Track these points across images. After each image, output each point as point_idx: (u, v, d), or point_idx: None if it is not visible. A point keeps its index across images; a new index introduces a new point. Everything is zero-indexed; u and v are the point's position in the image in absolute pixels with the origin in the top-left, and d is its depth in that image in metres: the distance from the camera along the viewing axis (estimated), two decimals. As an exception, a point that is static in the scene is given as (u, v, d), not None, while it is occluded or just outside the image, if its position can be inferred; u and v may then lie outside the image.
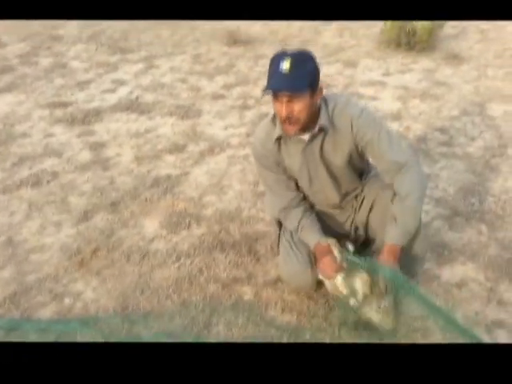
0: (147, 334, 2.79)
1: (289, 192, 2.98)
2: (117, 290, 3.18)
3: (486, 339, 2.73)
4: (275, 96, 2.56)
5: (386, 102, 5.83)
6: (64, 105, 5.91)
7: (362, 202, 3.02)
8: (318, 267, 2.87)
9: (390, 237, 2.74)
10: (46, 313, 3.02)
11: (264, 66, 7.15)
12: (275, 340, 2.76)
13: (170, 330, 2.84)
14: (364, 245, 3.11)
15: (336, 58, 7.40)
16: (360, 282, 2.66)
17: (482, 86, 6.26)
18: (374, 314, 2.65)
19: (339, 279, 2.72)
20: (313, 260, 2.93)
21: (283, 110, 2.54)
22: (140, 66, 7.34)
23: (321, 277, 2.88)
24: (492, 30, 8.53)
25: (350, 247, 3.00)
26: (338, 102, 2.75)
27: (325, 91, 2.70)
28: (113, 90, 6.41)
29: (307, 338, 2.77)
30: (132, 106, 5.88)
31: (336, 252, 2.78)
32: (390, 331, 2.68)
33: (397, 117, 5.42)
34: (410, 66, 7.04)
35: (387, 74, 6.79)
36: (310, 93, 2.56)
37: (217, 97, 6.15)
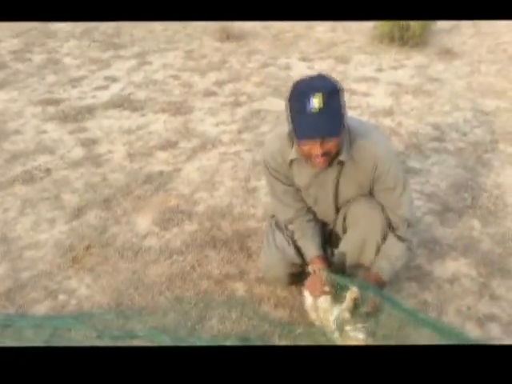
0: (141, 329, 2.83)
1: (296, 203, 2.94)
2: (110, 286, 3.21)
3: (478, 333, 2.80)
4: None
5: (379, 98, 5.89)
6: (56, 102, 5.92)
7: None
8: (307, 281, 2.86)
9: (380, 268, 2.82)
10: (41, 309, 3.05)
11: (257, 61, 7.22)
12: (268, 335, 2.80)
13: (164, 324, 2.88)
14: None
15: (328, 54, 7.40)
16: (348, 298, 2.61)
17: (474, 82, 6.34)
18: (355, 333, 2.61)
19: (323, 301, 2.71)
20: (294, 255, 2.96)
21: (318, 150, 2.44)
22: (132, 62, 7.34)
23: (305, 293, 2.86)
24: (485, 24, 8.61)
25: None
26: (362, 134, 2.66)
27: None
28: (105, 87, 6.41)
29: (300, 331, 2.80)
30: (124, 103, 5.89)
31: (324, 277, 2.73)
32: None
33: (389, 113, 5.48)
34: (403, 62, 7.11)
35: (380, 69, 6.85)
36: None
37: (209, 93, 6.17)
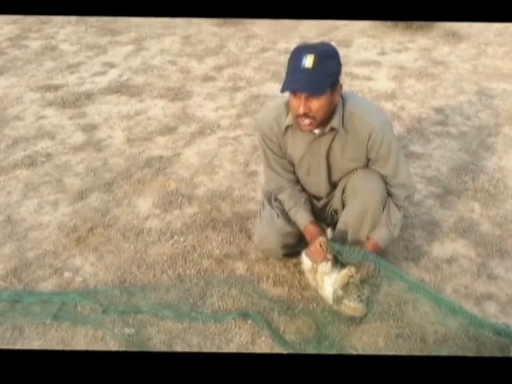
0: (145, 304, 3.04)
1: (287, 173, 3.13)
2: (114, 264, 3.40)
3: (475, 311, 2.93)
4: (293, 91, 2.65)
5: (381, 82, 5.98)
6: (55, 88, 6.07)
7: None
8: (308, 249, 3.02)
9: (379, 235, 3.02)
10: (47, 286, 3.24)
11: (255, 46, 7.29)
12: (267, 311, 2.99)
13: (166, 301, 3.07)
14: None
15: (329, 38, 7.36)
16: (345, 274, 2.82)
17: (480, 65, 6.40)
18: (351, 303, 2.83)
19: (324, 265, 2.91)
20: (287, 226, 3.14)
21: (301, 108, 2.61)
22: (130, 47, 7.45)
23: (304, 255, 3.06)
24: (493, 6, 8.64)
25: (329, 232, 3.25)
26: (358, 105, 2.86)
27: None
28: (103, 73, 6.54)
29: (299, 308, 3.01)
30: (122, 89, 6.03)
31: (324, 244, 2.91)
32: (361, 318, 2.89)
33: (391, 97, 5.58)
34: (407, 45, 7.15)
35: (382, 53, 6.90)
36: (330, 91, 2.63)
37: (207, 78, 6.28)
